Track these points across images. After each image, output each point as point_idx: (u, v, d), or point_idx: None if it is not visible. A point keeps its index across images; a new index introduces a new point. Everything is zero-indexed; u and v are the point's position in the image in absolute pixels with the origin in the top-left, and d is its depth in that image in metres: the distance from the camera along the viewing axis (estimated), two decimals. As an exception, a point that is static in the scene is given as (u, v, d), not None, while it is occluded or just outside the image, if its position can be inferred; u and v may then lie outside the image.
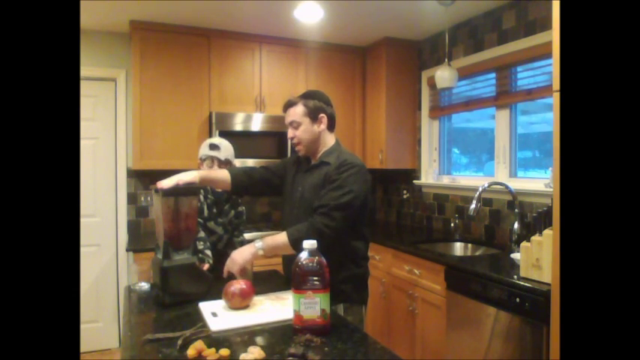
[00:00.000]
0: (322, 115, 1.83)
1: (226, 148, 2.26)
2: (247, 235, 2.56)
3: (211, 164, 2.22)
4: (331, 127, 1.87)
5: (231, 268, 1.69)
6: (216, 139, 2.29)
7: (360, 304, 1.83)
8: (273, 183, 1.98)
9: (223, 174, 1.91)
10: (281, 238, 1.70)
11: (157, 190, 1.65)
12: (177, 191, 1.66)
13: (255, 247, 1.70)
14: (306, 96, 1.85)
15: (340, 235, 1.71)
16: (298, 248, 1.70)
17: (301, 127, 1.81)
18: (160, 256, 1.65)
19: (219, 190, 2.40)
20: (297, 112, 1.81)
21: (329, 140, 1.87)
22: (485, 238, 3.02)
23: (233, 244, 2.36)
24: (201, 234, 2.18)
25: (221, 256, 2.31)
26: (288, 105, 1.85)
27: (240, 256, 1.70)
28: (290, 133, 1.84)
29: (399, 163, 3.69)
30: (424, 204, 3.66)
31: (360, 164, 1.78)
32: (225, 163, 2.24)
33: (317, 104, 1.82)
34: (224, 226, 2.31)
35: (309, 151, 1.86)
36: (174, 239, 1.65)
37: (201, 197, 2.25)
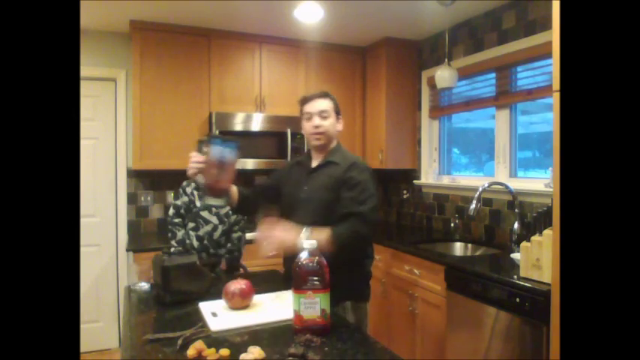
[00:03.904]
0: (341, 116, 1.90)
1: None
2: (248, 235, 2.56)
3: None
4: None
5: (276, 246, 1.61)
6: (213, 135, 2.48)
7: (365, 300, 1.87)
8: (270, 193, 2.01)
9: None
10: (324, 235, 1.59)
11: (204, 142, 1.73)
12: (220, 141, 1.72)
13: (299, 236, 1.58)
14: (329, 95, 1.89)
15: None
16: (339, 250, 1.61)
17: (329, 120, 1.83)
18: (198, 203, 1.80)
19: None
20: (329, 104, 1.84)
21: (335, 140, 1.92)
22: (486, 238, 3.02)
23: (229, 236, 2.41)
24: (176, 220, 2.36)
25: (218, 246, 2.38)
26: (320, 95, 1.85)
27: (287, 238, 1.60)
28: (317, 121, 1.81)
29: (399, 163, 3.69)
30: (424, 204, 3.66)
31: (368, 165, 1.85)
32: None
33: (338, 105, 1.89)
34: (219, 216, 2.36)
35: (326, 144, 1.87)
36: (213, 187, 1.75)
37: (191, 189, 2.37)
